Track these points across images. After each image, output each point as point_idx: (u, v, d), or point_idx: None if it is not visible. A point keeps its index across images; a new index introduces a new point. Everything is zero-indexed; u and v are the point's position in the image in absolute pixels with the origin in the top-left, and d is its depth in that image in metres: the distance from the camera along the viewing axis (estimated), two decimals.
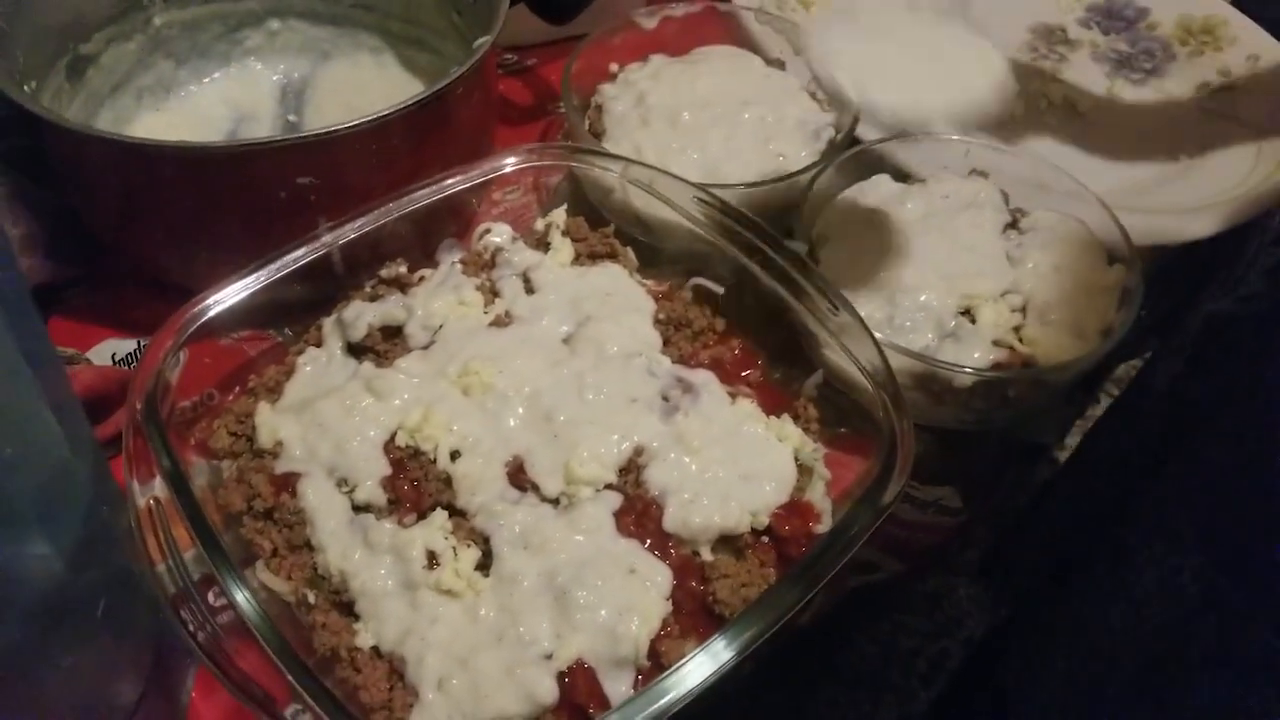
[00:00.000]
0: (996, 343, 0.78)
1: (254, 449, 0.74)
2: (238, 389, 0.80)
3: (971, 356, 0.77)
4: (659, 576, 0.66)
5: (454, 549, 0.67)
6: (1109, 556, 0.75)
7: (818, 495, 0.74)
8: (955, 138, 0.93)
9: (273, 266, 0.77)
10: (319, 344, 0.80)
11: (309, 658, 0.65)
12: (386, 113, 0.77)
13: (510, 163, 0.85)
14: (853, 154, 0.93)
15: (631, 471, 0.71)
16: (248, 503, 0.70)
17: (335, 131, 0.75)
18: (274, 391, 0.78)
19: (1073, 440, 1.12)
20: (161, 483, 0.65)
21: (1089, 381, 0.95)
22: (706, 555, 0.69)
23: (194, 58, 1.08)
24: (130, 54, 1.03)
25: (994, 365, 0.76)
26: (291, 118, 1.09)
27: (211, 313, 0.75)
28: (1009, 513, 1.01)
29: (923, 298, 0.81)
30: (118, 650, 0.61)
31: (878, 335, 0.77)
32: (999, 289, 0.82)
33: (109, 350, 0.92)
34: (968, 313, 0.80)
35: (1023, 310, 0.81)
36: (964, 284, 0.81)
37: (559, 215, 0.89)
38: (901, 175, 0.94)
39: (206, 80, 1.09)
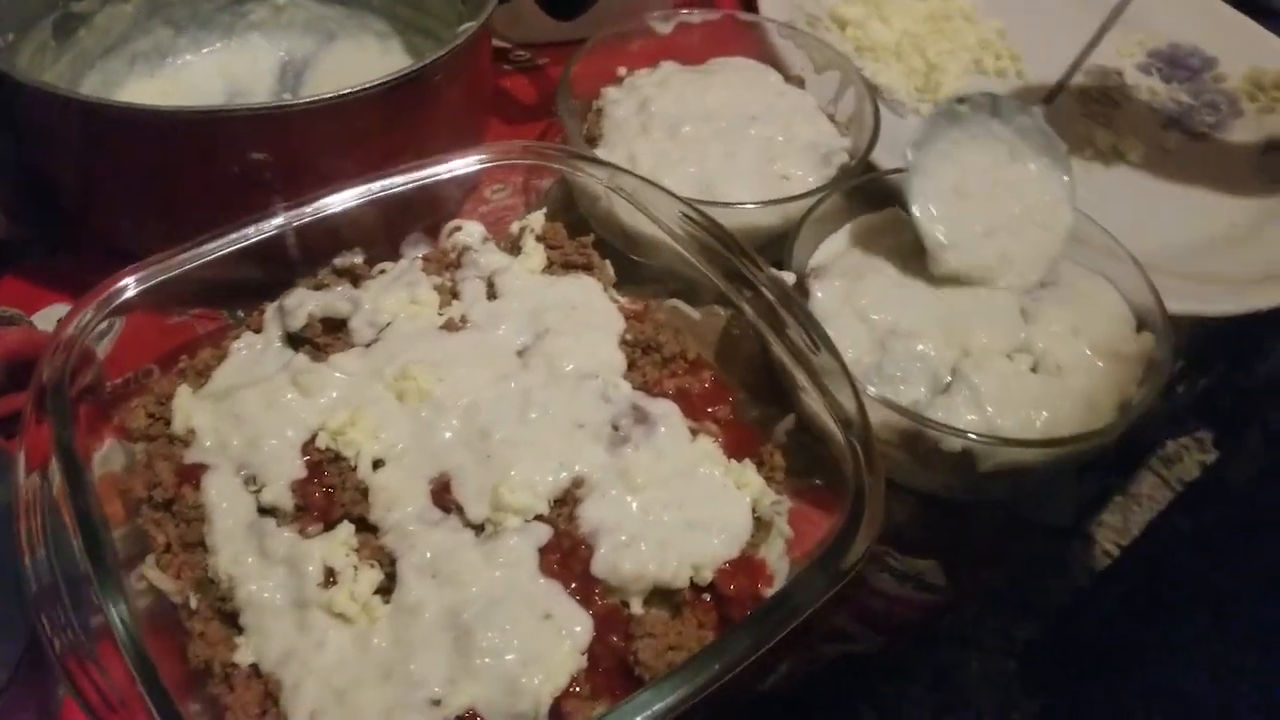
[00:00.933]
0: (996, 405, 0.70)
1: (168, 434, 0.69)
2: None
3: (965, 418, 0.70)
4: (577, 626, 0.60)
5: (355, 568, 0.62)
6: (1160, 652, 0.69)
7: (774, 554, 0.68)
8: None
9: (218, 242, 0.74)
10: (259, 330, 0.76)
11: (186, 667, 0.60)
12: (346, 91, 0.73)
13: (480, 158, 0.80)
14: (864, 182, 0.87)
15: (567, 505, 0.65)
16: (149, 491, 0.66)
17: (289, 106, 0.72)
18: (202, 375, 0.73)
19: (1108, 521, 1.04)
20: (56, 464, 0.61)
21: (1111, 458, 0.87)
22: (636, 608, 0.63)
23: (194, 27, 1.05)
24: (127, 16, 1.00)
25: (989, 431, 0.69)
26: (287, 96, 1.06)
27: (144, 284, 0.71)
28: (1011, 596, 0.93)
29: (919, 346, 0.74)
30: None
31: (864, 383, 0.71)
32: (1007, 346, 0.75)
33: (56, 315, 0.88)
34: (966, 368, 0.73)
35: (1031, 371, 0.74)
36: (967, 335, 0.75)
37: (536, 219, 0.84)
38: None
39: (205, 50, 1.06)
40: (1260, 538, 0.77)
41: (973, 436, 0.68)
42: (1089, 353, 0.75)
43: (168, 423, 0.70)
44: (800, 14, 1.16)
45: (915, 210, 0.79)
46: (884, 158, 0.93)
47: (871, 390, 0.71)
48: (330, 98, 0.72)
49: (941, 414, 0.70)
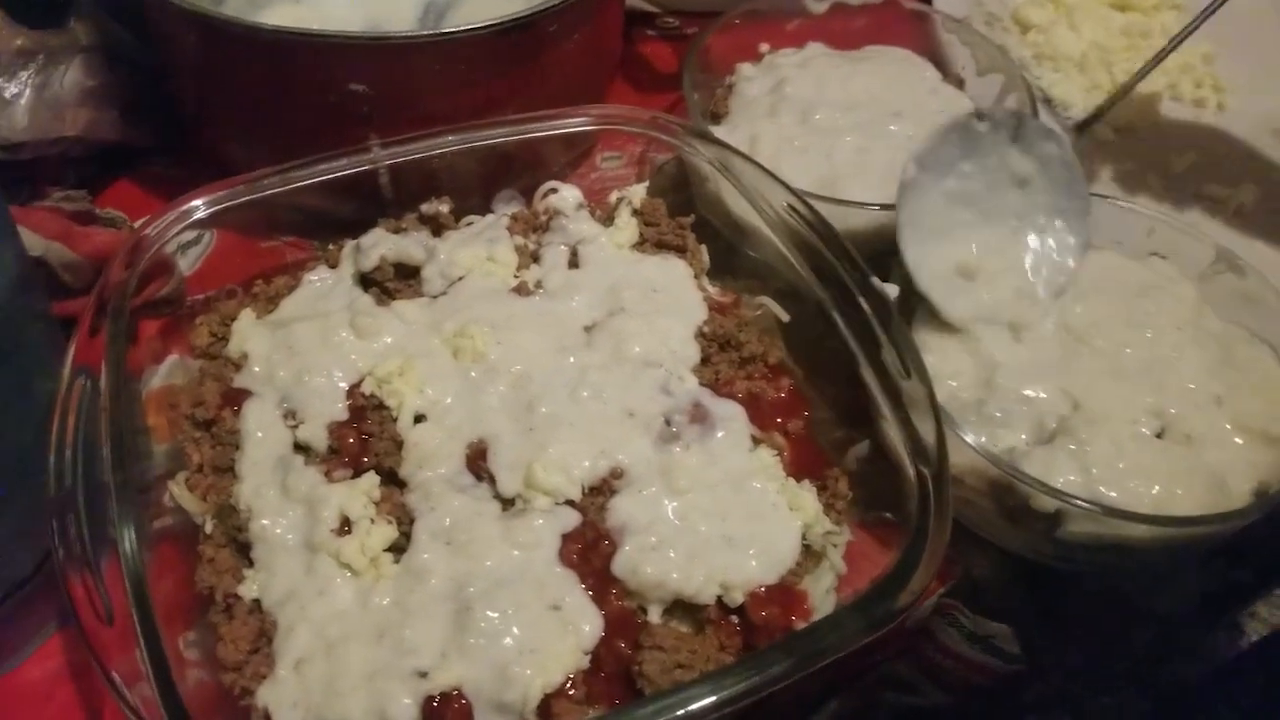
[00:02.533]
0: (1103, 468, 0.64)
1: (224, 355, 0.71)
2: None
3: (1065, 476, 0.63)
4: (586, 624, 0.58)
5: (371, 520, 0.61)
6: None
7: (820, 588, 0.64)
8: (1140, 209, 0.79)
9: (310, 169, 0.75)
10: (335, 265, 0.77)
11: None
12: (450, 30, 0.72)
13: (589, 119, 0.79)
14: None
15: (601, 494, 0.63)
16: (192, 408, 0.68)
17: (388, 38, 0.71)
18: (272, 302, 0.75)
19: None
20: (104, 371, 0.63)
21: (1240, 547, 0.78)
22: (653, 617, 0.60)
23: None
24: None
25: (1090, 496, 0.62)
26: None
27: (228, 201, 0.74)
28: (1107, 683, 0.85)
29: (1028, 390, 0.68)
30: None
31: (959, 421, 0.66)
32: (1132, 407, 0.67)
33: None
34: (1076, 422, 0.66)
35: (1155, 437, 0.67)
36: (1086, 387, 0.68)
37: (637, 191, 0.82)
38: None
39: None
40: None
41: (1072, 499, 0.62)
42: (1229, 426, 0.67)
43: (227, 344, 0.72)
44: (979, 11, 1.09)
45: (908, 261, 0.74)
46: None
47: (968, 431, 0.65)
48: (432, 35, 0.72)
49: (1039, 468, 0.64)
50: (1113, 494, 0.63)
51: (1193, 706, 0.84)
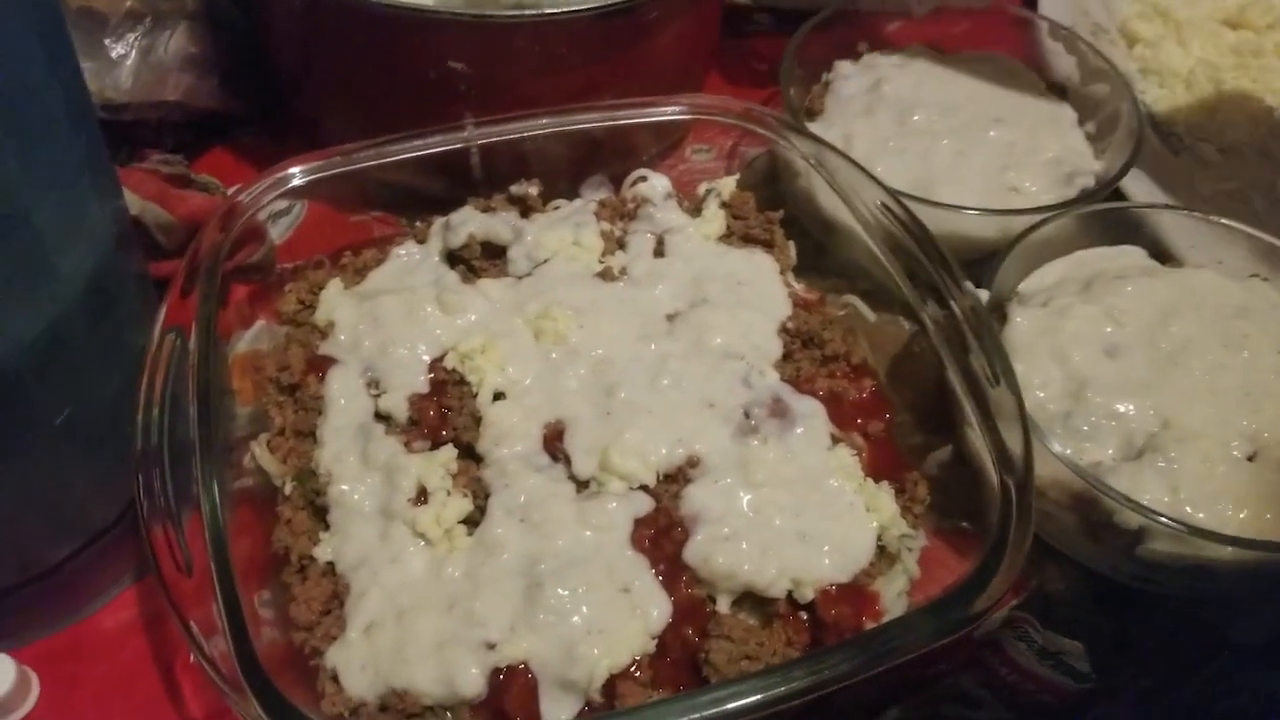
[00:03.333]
0: (1191, 489, 0.63)
1: (311, 323, 0.73)
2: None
3: (1151, 494, 0.63)
4: (654, 609, 0.59)
5: (447, 492, 0.63)
6: None
7: (892, 591, 0.64)
8: (1241, 227, 0.77)
9: (402, 145, 0.77)
10: (423, 240, 0.78)
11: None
12: (550, 12, 0.73)
13: (683, 108, 0.80)
14: (1106, 210, 0.80)
15: (676, 482, 0.64)
16: (278, 372, 0.70)
17: (489, 17, 0.73)
18: (360, 274, 0.77)
19: None
20: (195, 332, 0.65)
21: None
22: (722, 607, 0.61)
23: None
24: None
25: (1176, 515, 0.61)
26: None
27: (321, 172, 0.75)
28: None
29: (1118, 405, 0.67)
30: (80, 466, 0.62)
31: (1046, 432, 0.65)
32: (1225, 429, 0.66)
33: None
34: (1165, 440, 0.65)
35: (1247, 460, 0.65)
36: (1178, 407, 0.67)
37: (727, 184, 0.82)
38: (1160, 254, 0.80)
39: None
40: None
41: (1158, 516, 0.61)
42: None
43: (314, 311, 0.74)
44: (1085, 21, 1.08)
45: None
46: (1138, 190, 0.85)
47: (1054, 443, 0.65)
48: (532, 16, 0.73)
49: (1126, 483, 0.63)
50: (1200, 515, 0.62)
51: None
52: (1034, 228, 0.76)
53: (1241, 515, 0.63)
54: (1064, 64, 0.95)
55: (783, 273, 0.78)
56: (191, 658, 0.66)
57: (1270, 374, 0.69)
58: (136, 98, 0.85)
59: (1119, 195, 0.85)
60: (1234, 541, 0.60)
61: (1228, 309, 0.74)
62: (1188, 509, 0.63)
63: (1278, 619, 0.78)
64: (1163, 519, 0.60)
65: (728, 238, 0.80)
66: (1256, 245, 0.78)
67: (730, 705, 0.50)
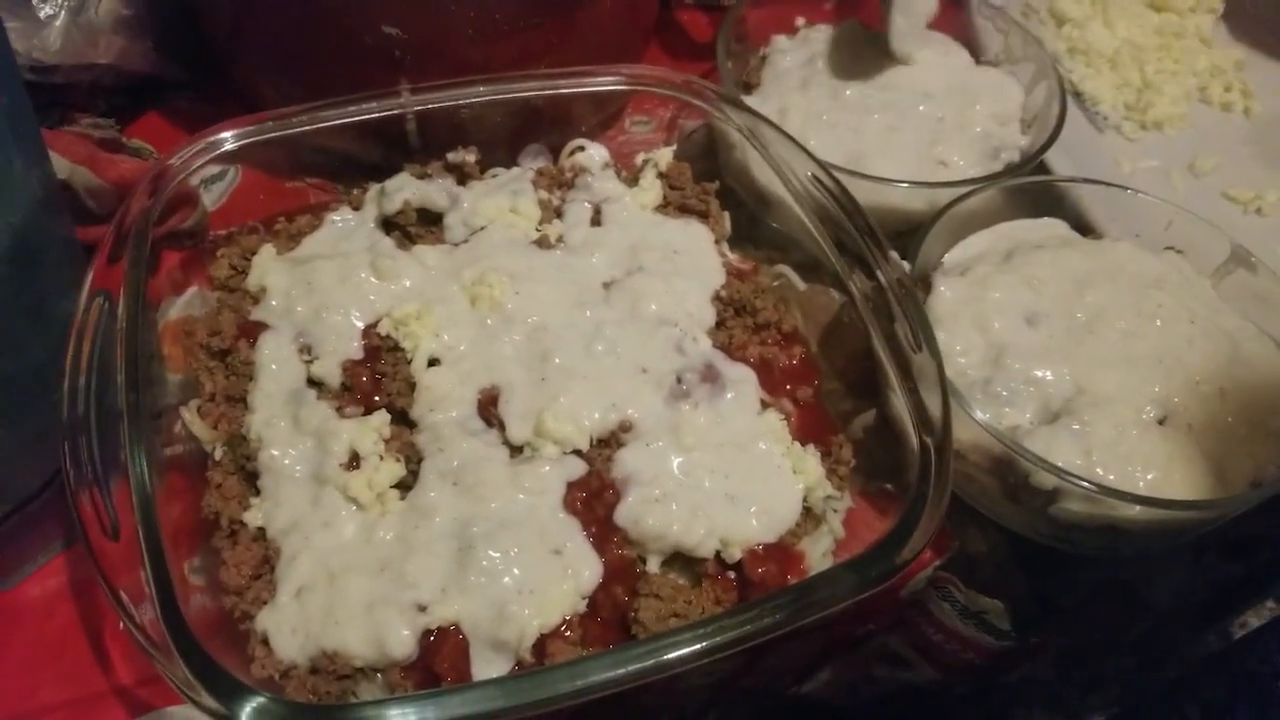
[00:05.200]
0: (1104, 451, 0.65)
1: (243, 288, 0.72)
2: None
3: (1065, 456, 0.64)
4: (586, 570, 0.59)
5: (380, 457, 0.62)
6: None
7: (817, 550, 0.65)
8: (1159, 200, 0.79)
9: (336, 110, 0.76)
10: (358, 207, 0.77)
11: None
12: None
13: (621, 78, 0.80)
14: (1029, 183, 0.81)
15: (609, 446, 0.64)
16: (209, 338, 0.68)
17: None
18: (294, 240, 0.76)
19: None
20: (123, 299, 0.63)
21: (1235, 542, 0.79)
22: (652, 567, 0.61)
23: None
24: None
25: (1089, 477, 0.63)
26: None
27: (253, 136, 0.74)
28: (1095, 667, 0.86)
29: (1036, 371, 0.69)
30: (3, 432, 0.60)
31: (967, 398, 0.67)
32: (1137, 394, 0.68)
33: None
34: (1081, 404, 0.67)
35: (1159, 423, 0.67)
36: (1093, 374, 0.68)
37: (664, 154, 0.82)
38: (1082, 227, 0.81)
39: None
40: None
41: (1070, 476, 0.63)
42: (1231, 419, 0.67)
43: (246, 277, 0.72)
44: (1016, 1, 1.09)
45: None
46: (1062, 165, 0.87)
47: (974, 408, 0.66)
48: None
49: (1042, 446, 0.65)
50: (1111, 476, 0.64)
51: (1163, 704, 0.85)
52: (959, 200, 0.77)
53: (1150, 476, 0.64)
54: (993, 41, 0.96)
55: (717, 242, 0.78)
56: (121, 624, 0.65)
57: (1182, 342, 0.71)
58: (66, 59, 0.83)
59: (1043, 169, 0.86)
60: (1142, 500, 0.62)
61: (1143, 279, 0.75)
62: (1099, 470, 0.64)
63: (1188, 580, 0.80)
64: (1075, 480, 0.62)
65: (664, 208, 0.80)
66: (1173, 219, 0.80)
67: (655, 659, 0.50)
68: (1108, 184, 0.82)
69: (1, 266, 0.56)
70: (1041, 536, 0.69)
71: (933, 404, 0.62)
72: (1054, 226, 0.81)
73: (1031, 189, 0.82)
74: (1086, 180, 0.82)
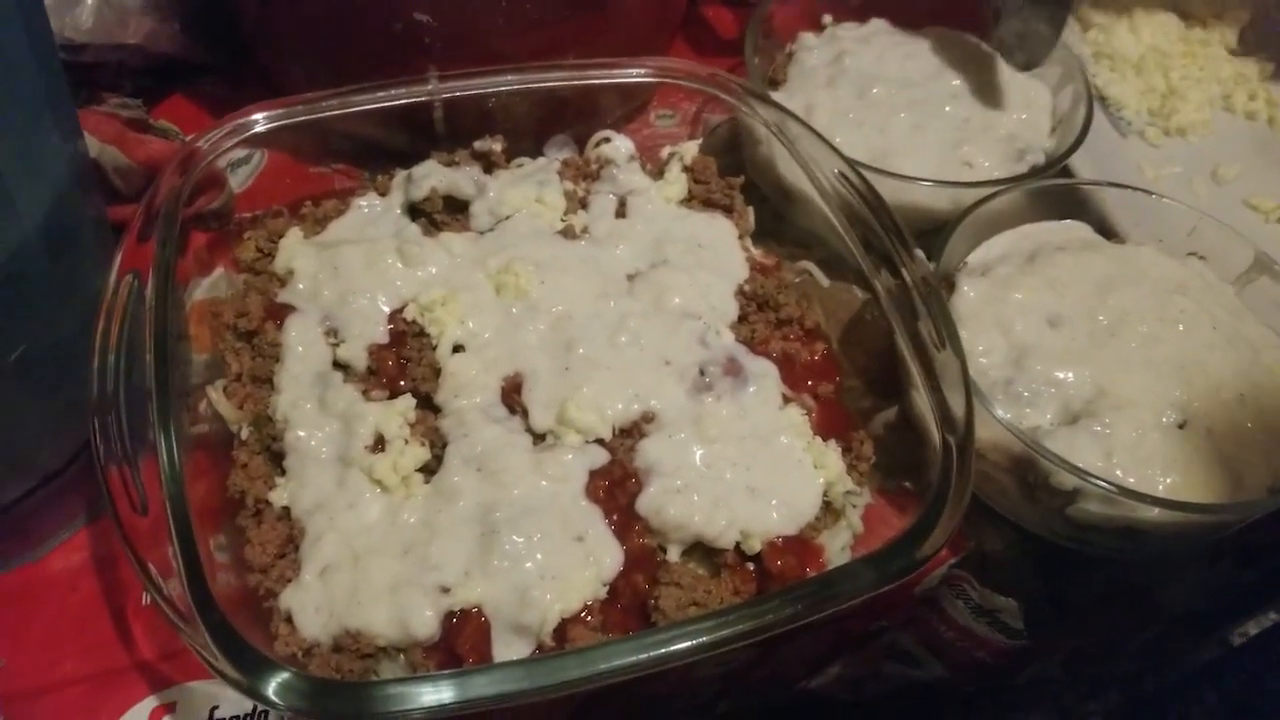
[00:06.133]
0: (1123, 454, 0.65)
1: (270, 271, 0.72)
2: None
3: (1085, 458, 0.65)
4: (607, 557, 0.60)
5: (405, 440, 0.63)
6: None
7: (836, 544, 0.65)
8: (1183, 205, 0.80)
9: (365, 96, 0.76)
10: (385, 193, 0.78)
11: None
12: None
13: (649, 70, 0.80)
14: (1054, 185, 0.82)
15: (631, 436, 0.65)
16: (236, 319, 0.69)
17: None
18: (320, 224, 0.76)
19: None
20: (151, 278, 0.64)
21: (1250, 548, 0.80)
22: (672, 556, 0.62)
23: None
24: None
25: (1112, 480, 0.64)
26: None
27: (282, 120, 0.75)
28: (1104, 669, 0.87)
29: (1057, 373, 0.70)
30: (33, 406, 0.61)
31: (988, 397, 0.67)
32: (1158, 398, 0.69)
33: None
34: (1101, 407, 0.67)
35: (1177, 428, 0.68)
36: (1114, 378, 0.69)
37: (689, 148, 0.83)
38: (1105, 230, 0.82)
39: None
40: None
41: (1090, 477, 0.63)
42: (1250, 425, 0.68)
43: (273, 260, 0.73)
44: None
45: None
46: (1086, 168, 0.87)
47: (996, 407, 0.67)
48: None
49: (1062, 447, 0.65)
50: (1130, 479, 0.65)
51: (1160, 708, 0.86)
52: (984, 201, 0.78)
53: (1170, 480, 0.65)
54: (1020, 45, 0.96)
55: (741, 237, 0.79)
56: (145, 599, 0.66)
57: (1203, 348, 0.71)
58: (96, 39, 0.84)
59: (1067, 173, 0.87)
60: (1161, 503, 0.63)
61: (1165, 284, 0.76)
62: (1119, 472, 0.65)
63: (1203, 585, 0.81)
64: (1095, 480, 0.63)
65: (689, 201, 0.80)
66: (1197, 225, 0.80)
67: (675, 646, 0.51)
68: (1132, 188, 0.82)
69: (36, 241, 0.56)
70: (1058, 537, 0.70)
71: (955, 403, 0.62)
72: (1077, 229, 0.81)
73: (1055, 191, 0.82)
74: (1110, 184, 0.83)
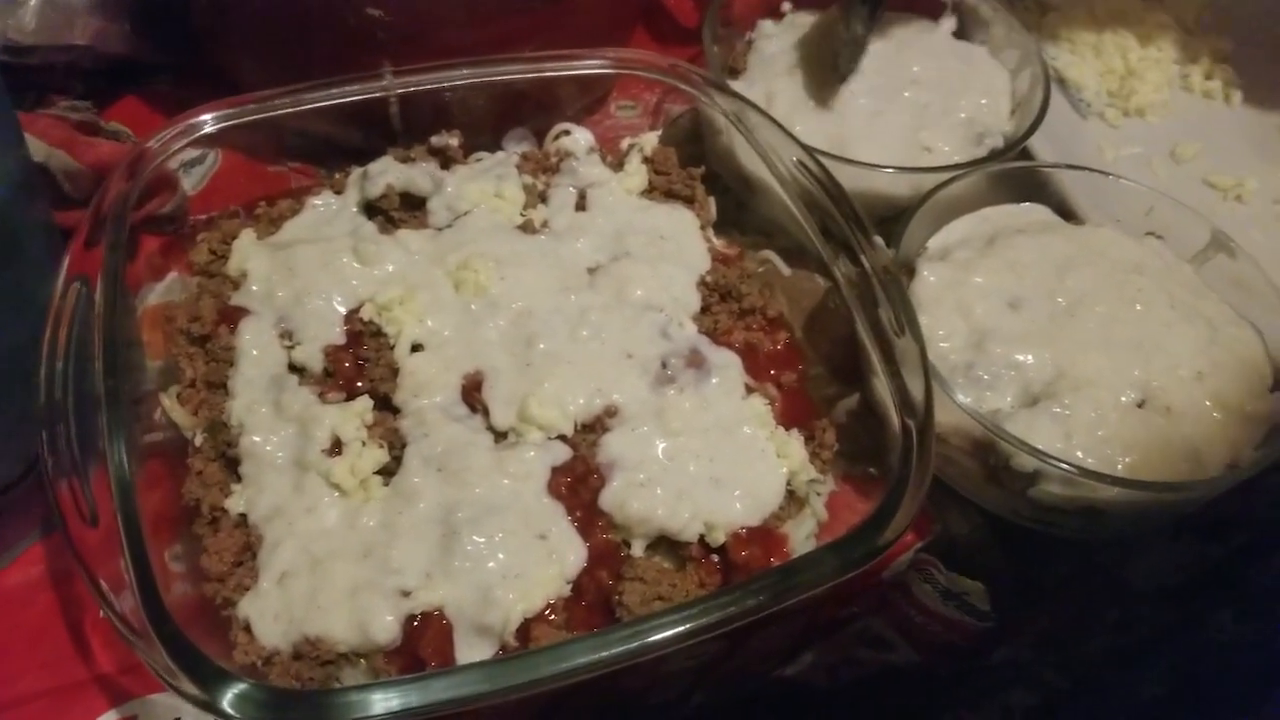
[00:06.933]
0: (1083, 434, 0.65)
1: (223, 273, 0.71)
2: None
3: (1045, 439, 0.65)
4: (570, 554, 0.59)
5: (363, 443, 0.62)
6: None
7: (801, 533, 0.65)
8: (1140, 186, 0.79)
9: (319, 93, 0.75)
10: (340, 191, 0.77)
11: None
12: None
13: (607, 61, 0.79)
14: (1013, 168, 0.81)
15: (594, 431, 0.64)
16: (189, 323, 0.68)
17: None
18: (275, 224, 0.75)
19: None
20: (100, 284, 0.63)
21: (1213, 524, 0.80)
22: (637, 551, 0.61)
23: None
24: None
25: (1071, 461, 0.63)
26: None
27: (234, 119, 0.73)
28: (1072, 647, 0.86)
29: (1017, 355, 0.69)
30: None
31: (949, 382, 0.67)
32: (1117, 377, 0.68)
33: None
34: (1061, 388, 0.67)
35: (1136, 407, 0.68)
36: (1074, 358, 0.69)
37: (649, 139, 0.82)
38: (1064, 212, 0.81)
39: None
40: None
41: (1050, 459, 0.63)
42: (1209, 402, 0.68)
43: (227, 262, 0.72)
44: None
45: None
46: (1045, 150, 0.87)
47: (956, 391, 0.66)
48: None
49: (1022, 429, 0.65)
50: (1090, 459, 0.65)
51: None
52: (943, 185, 0.78)
53: (1129, 459, 0.65)
54: (979, 29, 0.96)
55: (703, 228, 0.78)
56: (101, 612, 0.65)
57: (1161, 327, 0.71)
58: (43, 40, 0.82)
59: (1027, 155, 0.86)
60: (1120, 483, 0.63)
61: (1124, 264, 0.76)
62: (1079, 453, 0.65)
63: (1168, 561, 0.81)
64: (1055, 462, 0.62)
65: (650, 193, 0.79)
66: (1154, 205, 0.80)
67: (639, 642, 0.50)
68: (1090, 170, 0.82)
69: None
70: (1022, 519, 0.70)
71: (915, 387, 0.62)
72: (1036, 212, 0.81)
73: (1015, 174, 0.82)
74: (1069, 166, 0.82)
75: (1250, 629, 0.75)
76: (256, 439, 0.62)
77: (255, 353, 0.66)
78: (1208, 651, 0.74)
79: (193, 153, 0.76)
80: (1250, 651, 0.73)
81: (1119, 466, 0.64)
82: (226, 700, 0.48)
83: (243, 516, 0.61)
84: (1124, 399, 0.67)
